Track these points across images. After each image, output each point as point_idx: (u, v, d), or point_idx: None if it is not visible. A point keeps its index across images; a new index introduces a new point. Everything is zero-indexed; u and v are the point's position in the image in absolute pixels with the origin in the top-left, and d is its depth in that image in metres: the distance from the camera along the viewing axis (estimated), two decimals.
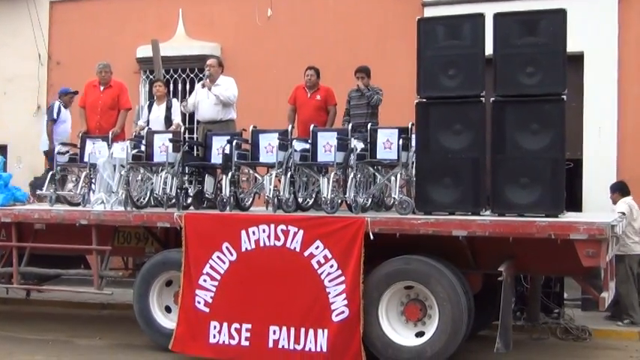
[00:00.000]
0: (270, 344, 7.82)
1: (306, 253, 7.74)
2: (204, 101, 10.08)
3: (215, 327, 8.03)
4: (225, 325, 8.00)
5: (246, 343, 7.91)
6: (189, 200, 8.92)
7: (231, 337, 7.97)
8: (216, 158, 9.07)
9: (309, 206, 8.68)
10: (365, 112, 10.09)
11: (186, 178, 9.02)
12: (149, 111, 10.74)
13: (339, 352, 7.60)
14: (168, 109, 10.58)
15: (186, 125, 11.70)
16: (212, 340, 8.03)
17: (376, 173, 8.57)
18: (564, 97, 7.61)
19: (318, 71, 10.61)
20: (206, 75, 10.14)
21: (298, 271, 7.76)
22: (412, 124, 8.29)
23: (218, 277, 8.06)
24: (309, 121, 9.88)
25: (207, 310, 8.08)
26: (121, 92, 11.06)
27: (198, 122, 10.58)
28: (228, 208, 8.46)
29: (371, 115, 10.07)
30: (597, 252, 7.03)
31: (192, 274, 8.15)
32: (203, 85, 10.07)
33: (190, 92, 12.68)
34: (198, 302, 8.11)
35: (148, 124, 10.51)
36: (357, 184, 8.23)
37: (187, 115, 11.43)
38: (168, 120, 10.55)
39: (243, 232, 7.98)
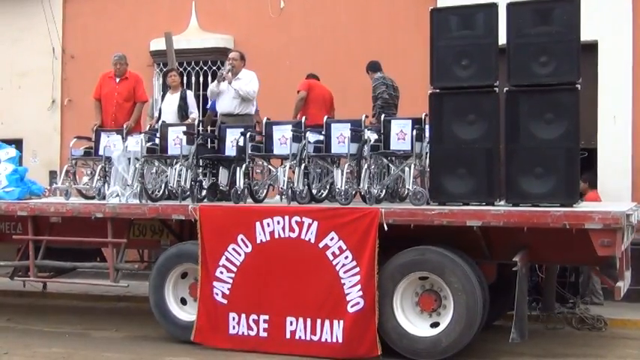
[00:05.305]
0: (288, 335, 7.86)
1: (320, 245, 7.76)
2: (225, 93, 10.14)
3: (234, 318, 8.08)
4: (243, 316, 8.04)
5: (265, 334, 7.96)
6: (204, 192, 8.95)
7: (249, 328, 8.02)
8: (230, 150, 9.11)
9: (323, 197, 8.70)
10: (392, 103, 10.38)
11: (200, 170, 9.06)
12: (162, 100, 10.68)
13: (354, 343, 7.63)
14: (182, 99, 10.52)
15: (200, 118, 11.71)
16: (232, 332, 8.08)
17: (390, 164, 8.57)
18: (578, 86, 7.59)
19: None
20: (227, 68, 10.16)
21: (313, 262, 7.78)
22: (426, 115, 8.29)
23: (234, 268, 8.09)
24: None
25: (225, 301, 8.12)
26: (137, 84, 10.99)
27: (215, 115, 10.67)
28: (242, 200, 8.49)
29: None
30: (612, 241, 7.00)
31: (209, 266, 8.18)
32: (224, 79, 10.07)
33: (204, 85, 12.78)
34: (216, 294, 8.15)
35: (159, 114, 10.50)
36: (370, 175, 8.25)
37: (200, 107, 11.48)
38: (181, 110, 10.46)
39: (258, 224, 8.00)
